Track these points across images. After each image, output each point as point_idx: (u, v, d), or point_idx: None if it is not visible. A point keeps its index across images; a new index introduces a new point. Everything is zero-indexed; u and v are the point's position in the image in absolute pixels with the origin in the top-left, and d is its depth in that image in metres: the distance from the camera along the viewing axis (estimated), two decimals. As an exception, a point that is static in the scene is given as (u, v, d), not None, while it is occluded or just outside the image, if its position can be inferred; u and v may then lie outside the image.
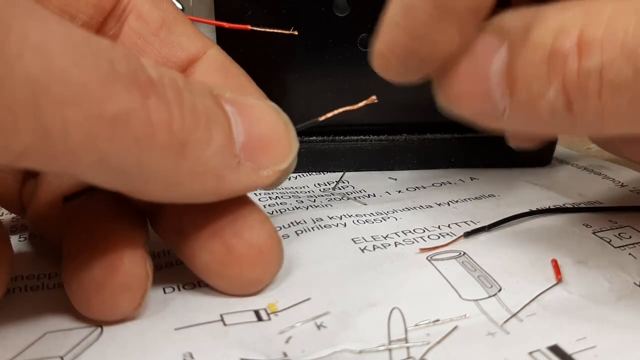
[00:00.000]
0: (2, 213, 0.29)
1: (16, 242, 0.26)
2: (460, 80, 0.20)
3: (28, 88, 0.14)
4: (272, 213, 0.29)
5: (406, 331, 0.19)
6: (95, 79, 0.15)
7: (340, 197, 0.31)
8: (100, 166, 0.16)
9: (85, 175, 0.17)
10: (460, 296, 0.21)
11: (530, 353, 0.18)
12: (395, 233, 0.26)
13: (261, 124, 0.20)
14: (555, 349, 0.18)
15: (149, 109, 0.16)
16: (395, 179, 0.34)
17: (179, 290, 0.22)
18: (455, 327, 0.20)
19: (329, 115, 0.23)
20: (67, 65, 0.14)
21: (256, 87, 0.24)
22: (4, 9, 0.14)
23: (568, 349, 0.18)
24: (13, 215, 0.28)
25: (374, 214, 0.29)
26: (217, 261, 0.21)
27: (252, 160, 0.19)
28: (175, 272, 0.23)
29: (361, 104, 0.23)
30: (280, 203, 0.30)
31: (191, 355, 0.18)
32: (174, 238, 0.22)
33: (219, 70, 0.24)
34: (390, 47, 0.24)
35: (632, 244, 0.25)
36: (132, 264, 0.20)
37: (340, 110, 0.23)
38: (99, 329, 0.19)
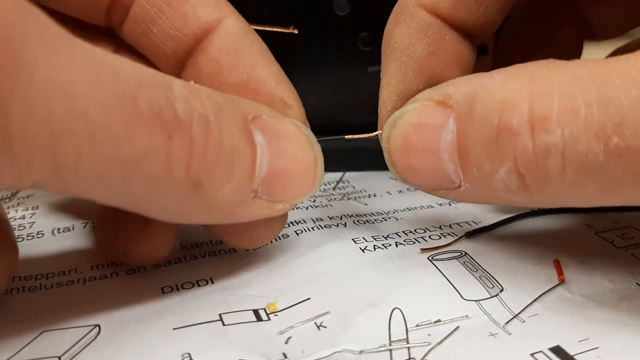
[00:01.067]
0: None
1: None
2: (410, 155, 0.19)
3: (47, 129, 0.14)
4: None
5: (407, 331, 0.19)
6: (117, 121, 0.15)
7: (340, 197, 0.31)
8: (108, 196, 0.16)
9: (96, 200, 0.16)
10: (461, 296, 0.21)
11: (532, 354, 0.18)
12: (396, 233, 0.26)
13: (289, 158, 0.19)
14: (557, 350, 0.18)
15: (169, 150, 0.16)
16: (396, 179, 0.34)
17: (178, 289, 0.22)
18: (457, 328, 0.19)
19: (356, 136, 0.23)
20: (89, 106, 0.14)
21: (270, 63, 0.23)
22: (32, 45, 0.13)
23: (570, 350, 0.18)
24: (12, 215, 0.28)
25: (375, 214, 0.28)
26: None
27: (269, 193, 0.19)
28: (175, 270, 0.23)
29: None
30: (280, 203, 0.30)
31: (190, 356, 0.18)
32: None
33: (231, 47, 0.23)
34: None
35: (635, 244, 0.25)
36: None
37: (366, 135, 0.23)
38: (97, 328, 0.19)
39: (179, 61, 0.22)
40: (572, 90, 0.16)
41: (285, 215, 0.22)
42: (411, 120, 0.20)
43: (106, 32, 0.23)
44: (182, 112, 0.16)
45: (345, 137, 0.23)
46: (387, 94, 0.22)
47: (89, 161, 0.14)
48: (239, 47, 0.23)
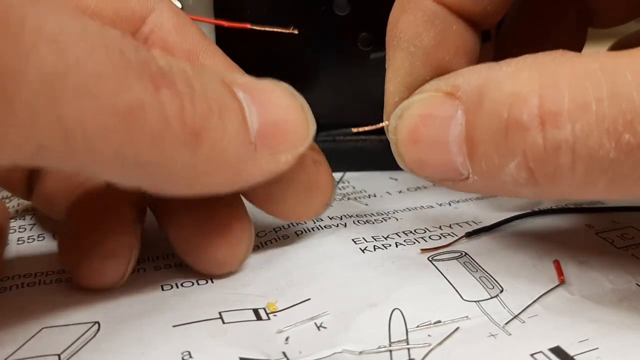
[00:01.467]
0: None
1: (14, 245, 0.26)
2: (418, 147, 0.19)
3: (44, 80, 0.14)
4: (272, 213, 0.29)
5: (407, 332, 0.19)
6: (109, 70, 0.15)
7: (340, 197, 0.31)
8: (117, 162, 0.16)
9: (102, 173, 0.16)
10: (461, 297, 0.21)
11: (532, 355, 0.18)
12: (396, 233, 0.26)
13: (275, 109, 0.19)
14: (557, 351, 0.18)
15: (162, 101, 0.16)
16: (396, 179, 0.34)
17: (177, 287, 0.22)
18: (457, 329, 0.19)
19: (362, 129, 0.23)
20: (80, 55, 0.14)
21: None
22: (19, 2, 0.14)
23: (570, 350, 0.18)
24: (12, 216, 0.28)
25: (375, 214, 0.28)
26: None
27: (268, 146, 0.19)
28: (175, 272, 0.23)
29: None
30: (280, 203, 0.30)
31: (189, 354, 0.18)
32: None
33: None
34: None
35: (635, 244, 0.25)
36: (119, 235, 0.21)
37: (373, 127, 0.23)
38: (96, 325, 0.19)
39: None
40: (583, 85, 0.15)
41: (251, 242, 0.23)
42: (419, 111, 0.19)
43: None
44: (164, 65, 0.16)
45: (352, 129, 0.23)
46: (394, 85, 0.22)
47: (90, 112, 0.14)
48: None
